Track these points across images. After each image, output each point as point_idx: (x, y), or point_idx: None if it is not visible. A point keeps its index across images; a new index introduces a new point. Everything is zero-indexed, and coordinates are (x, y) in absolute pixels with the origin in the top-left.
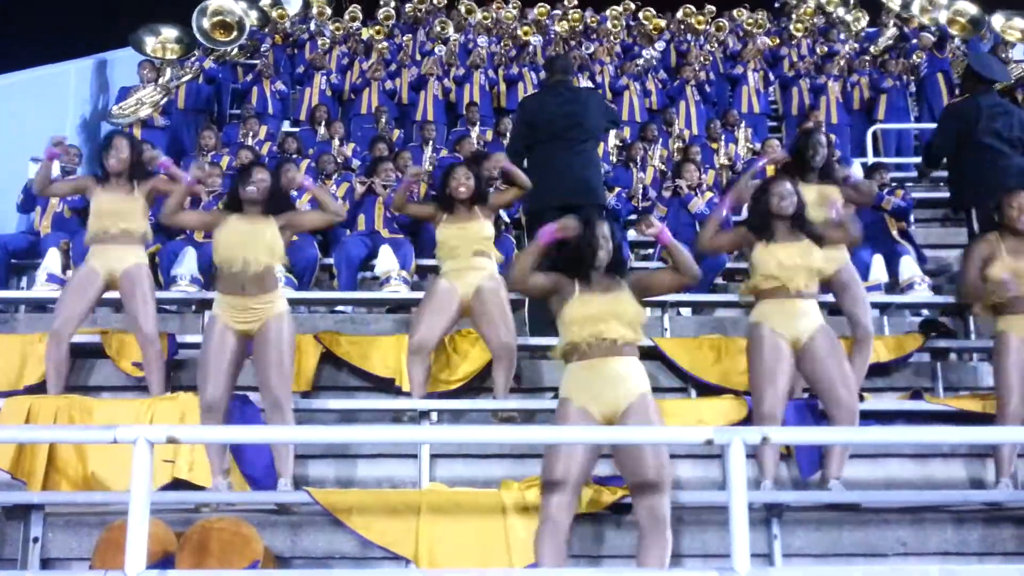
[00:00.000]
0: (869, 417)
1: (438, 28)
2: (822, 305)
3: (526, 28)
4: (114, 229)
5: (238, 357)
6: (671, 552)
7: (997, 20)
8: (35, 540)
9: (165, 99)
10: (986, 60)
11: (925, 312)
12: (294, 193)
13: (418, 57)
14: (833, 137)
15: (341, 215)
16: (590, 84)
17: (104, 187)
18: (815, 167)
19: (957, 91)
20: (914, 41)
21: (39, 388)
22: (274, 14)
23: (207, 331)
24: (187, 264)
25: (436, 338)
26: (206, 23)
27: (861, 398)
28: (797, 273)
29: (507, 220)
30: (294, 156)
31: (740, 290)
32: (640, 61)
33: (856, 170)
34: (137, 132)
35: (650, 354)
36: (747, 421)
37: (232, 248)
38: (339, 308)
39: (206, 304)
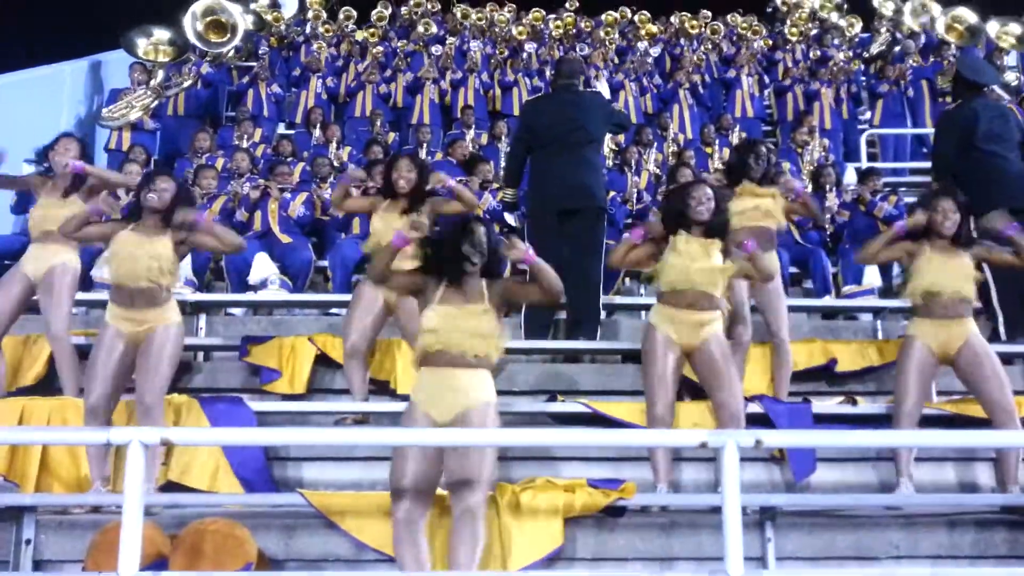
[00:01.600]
0: (860, 421)
1: (421, 29)
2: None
3: (520, 29)
4: (50, 229)
5: (126, 362)
6: (665, 555)
7: (992, 26)
8: (27, 542)
9: (156, 102)
10: (976, 64)
11: None
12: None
13: (408, 60)
14: (825, 144)
15: (237, 247)
16: (604, 89)
17: (47, 187)
18: (753, 177)
19: (942, 98)
20: (897, 49)
21: (32, 390)
22: (269, 17)
23: (99, 336)
24: (182, 266)
25: (369, 340)
26: (199, 25)
27: (854, 402)
28: (701, 278)
29: (513, 224)
30: (289, 159)
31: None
32: (635, 59)
33: (850, 175)
34: (127, 135)
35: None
36: None
37: (123, 263)
38: (334, 311)
39: (200, 307)
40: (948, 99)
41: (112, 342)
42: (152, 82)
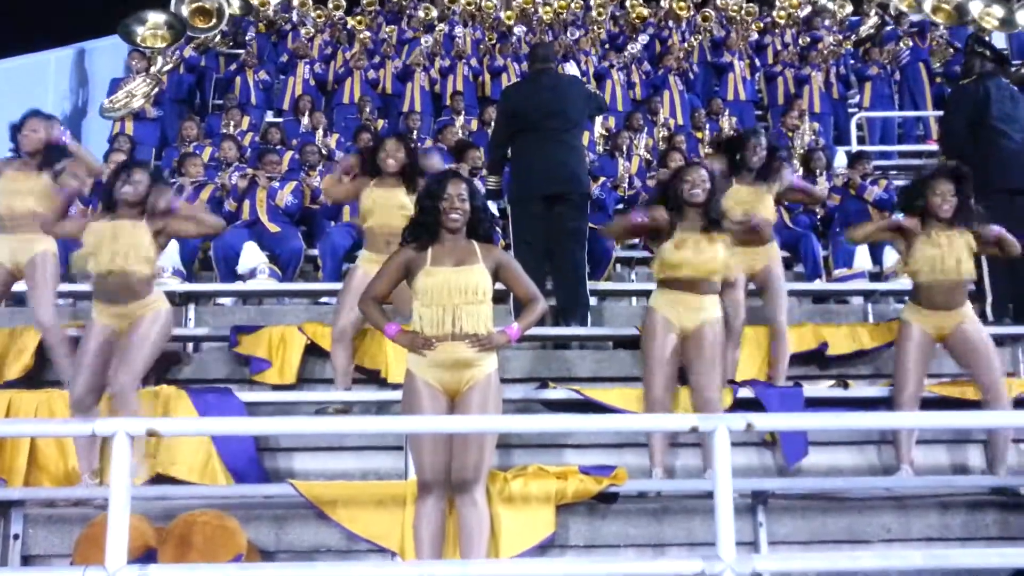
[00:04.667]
0: (852, 404)
1: (422, 14)
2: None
3: (509, 14)
4: (21, 211)
5: (111, 354)
6: (657, 541)
7: (975, 6)
8: (15, 537)
9: (156, 89)
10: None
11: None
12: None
13: (395, 47)
14: (816, 128)
15: (218, 228)
16: (575, 72)
17: (12, 167)
18: (752, 168)
19: (939, 79)
20: (890, 28)
21: (20, 383)
22: (256, 1)
23: (85, 330)
24: (169, 256)
25: (356, 326)
26: (185, 10)
27: (846, 385)
28: (697, 266)
29: (494, 212)
30: (277, 146)
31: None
32: (625, 54)
33: (840, 158)
34: (129, 125)
35: (635, 343)
36: (732, 409)
37: (102, 253)
38: (324, 299)
39: (189, 296)
40: (939, 79)
41: (98, 335)
42: (152, 69)
